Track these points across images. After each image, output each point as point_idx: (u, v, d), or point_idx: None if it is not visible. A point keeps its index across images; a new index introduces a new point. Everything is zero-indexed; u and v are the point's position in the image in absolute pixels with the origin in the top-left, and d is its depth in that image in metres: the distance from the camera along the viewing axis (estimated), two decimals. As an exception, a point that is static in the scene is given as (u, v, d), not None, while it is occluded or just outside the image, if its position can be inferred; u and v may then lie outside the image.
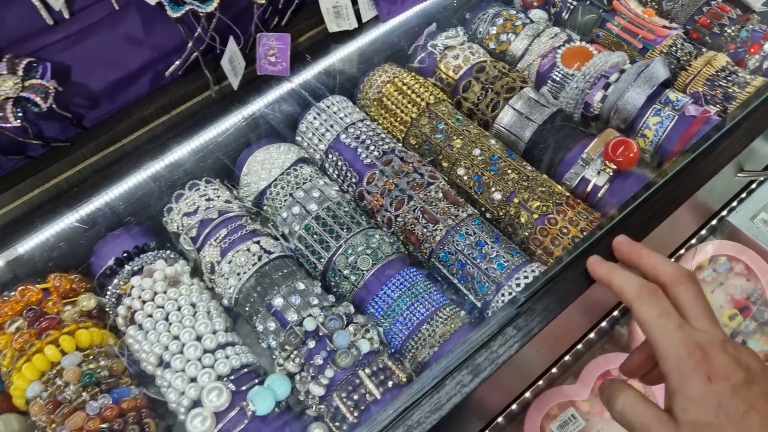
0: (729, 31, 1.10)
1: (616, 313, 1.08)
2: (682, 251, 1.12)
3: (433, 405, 0.68)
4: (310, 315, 0.85)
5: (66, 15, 0.79)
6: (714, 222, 1.15)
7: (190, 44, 0.86)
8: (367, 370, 0.81)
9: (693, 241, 1.15)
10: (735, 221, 1.14)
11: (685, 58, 1.08)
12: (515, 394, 0.96)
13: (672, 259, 1.06)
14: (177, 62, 0.89)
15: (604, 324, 1.07)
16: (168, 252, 0.94)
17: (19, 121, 0.74)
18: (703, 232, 1.15)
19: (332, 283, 0.93)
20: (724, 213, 1.15)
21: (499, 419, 0.96)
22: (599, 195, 0.97)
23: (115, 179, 0.88)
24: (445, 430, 0.74)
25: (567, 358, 1.04)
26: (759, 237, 1.12)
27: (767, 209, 1.21)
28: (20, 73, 0.75)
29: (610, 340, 1.13)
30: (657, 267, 0.62)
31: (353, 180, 1.01)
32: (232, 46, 0.86)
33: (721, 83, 1.05)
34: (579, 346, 1.05)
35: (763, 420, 0.50)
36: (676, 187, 0.85)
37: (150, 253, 0.92)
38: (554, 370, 1.02)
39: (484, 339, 0.72)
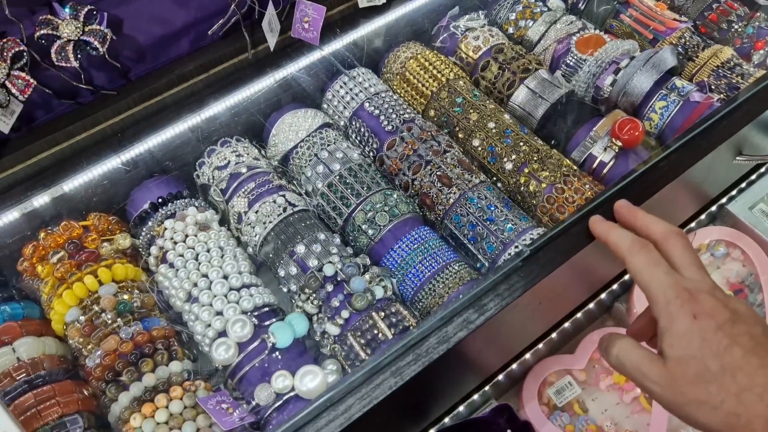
0: (736, 27, 1.17)
1: (615, 286, 1.14)
2: (682, 234, 1.18)
3: (441, 337, 0.74)
4: (329, 261, 0.91)
5: (122, -30, 0.87)
6: (714, 209, 1.21)
7: (233, 6, 0.93)
8: (381, 313, 0.87)
9: (692, 225, 1.21)
10: (734, 210, 1.20)
11: (692, 50, 1.14)
12: (516, 353, 1.02)
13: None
14: (220, 22, 0.96)
15: (603, 296, 1.13)
16: (199, 201, 1.01)
17: (78, 62, 0.82)
18: (703, 217, 1.21)
19: (350, 237, 1.00)
20: (724, 201, 1.21)
21: (500, 377, 1.02)
22: (605, 171, 1.04)
23: (155, 129, 0.95)
24: (451, 366, 0.80)
25: (566, 325, 1.10)
26: (757, 225, 1.18)
27: (766, 200, 1.27)
28: (81, 18, 0.82)
29: (609, 316, 1.19)
30: (649, 226, 0.66)
31: (374, 145, 1.07)
32: (271, 10, 0.93)
33: (725, 74, 1.11)
34: (578, 315, 1.11)
35: (746, 354, 0.52)
36: (673, 162, 0.91)
37: (183, 199, 0.99)
38: (554, 335, 1.08)
39: (491, 285, 0.79)
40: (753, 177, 1.25)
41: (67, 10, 0.82)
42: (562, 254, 0.81)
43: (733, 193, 1.22)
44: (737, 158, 1.05)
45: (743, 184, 1.25)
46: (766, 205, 1.25)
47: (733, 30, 1.17)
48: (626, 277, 1.15)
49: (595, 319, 1.16)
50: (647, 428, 1.07)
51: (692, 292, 0.56)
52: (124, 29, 0.93)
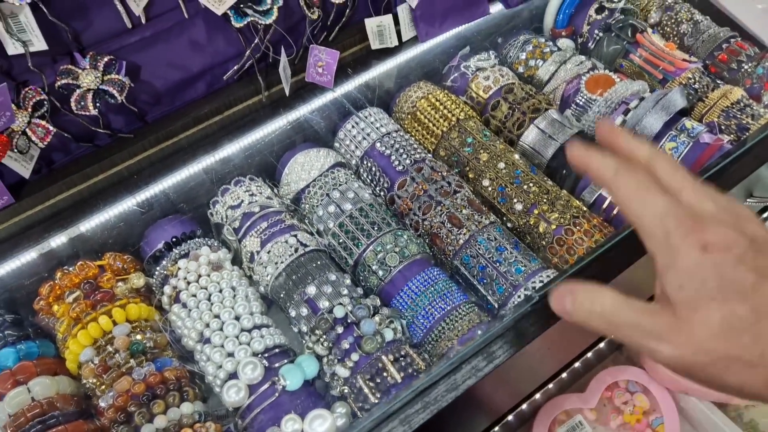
0: (746, 67, 1.17)
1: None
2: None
3: (450, 385, 0.75)
4: (340, 303, 0.92)
5: (143, 20, 0.89)
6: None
7: (248, 52, 0.96)
8: (390, 356, 0.88)
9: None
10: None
11: (702, 90, 1.15)
12: (526, 394, 1.02)
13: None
14: (235, 67, 0.99)
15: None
16: (212, 240, 1.02)
17: (96, 110, 0.84)
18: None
19: (361, 277, 1.00)
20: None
21: (510, 417, 1.02)
22: (615, 212, 1.04)
23: (170, 170, 0.97)
24: (460, 411, 0.80)
25: (577, 365, 1.09)
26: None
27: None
28: (101, 68, 0.85)
29: (620, 354, 1.19)
30: (634, 148, 0.50)
31: (385, 185, 1.09)
32: (284, 56, 0.95)
33: (735, 114, 1.11)
34: (589, 355, 1.11)
35: None
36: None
37: (196, 239, 1.01)
38: (564, 375, 1.08)
39: (500, 331, 0.79)
40: (765, 215, 1.24)
41: (87, 60, 0.85)
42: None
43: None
44: (748, 200, 1.05)
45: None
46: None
47: (743, 70, 1.18)
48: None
49: (606, 357, 1.16)
50: (659, 469, 1.06)
51: (697, 219, 0.42)
52: (142, 75, 0.95)
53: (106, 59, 0.86)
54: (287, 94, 1.00)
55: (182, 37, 0.95)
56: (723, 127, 1.12)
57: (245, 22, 0.89)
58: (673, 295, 0.42)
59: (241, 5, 0.87)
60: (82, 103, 0.83)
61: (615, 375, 1.14)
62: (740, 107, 1.12)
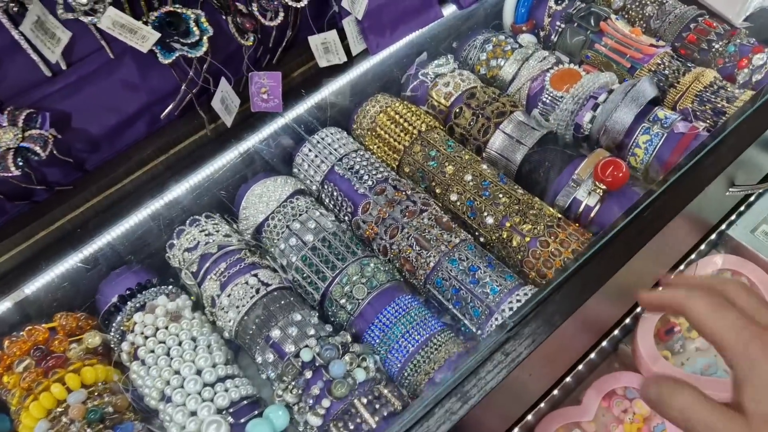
0: (717, 46, 1.11)
1: (616, 332, 1.08)
2: (681, 267, 1.12)
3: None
4: (306, 346, 0.87)
5: (63, 66, 0.83)
6: (713, 236, 1.15)
7: (183, 87, 0.90)
8: (363, 399, 0.82)
9: (693, 256, 1.15)
10: (735, 235, 1.14)
11: (673, 75, 1.09)
12: (515, 418, 0.96)
13: (671, 275, 1.06)
14: (171, 105, 0.92)
15: (605, 344, 1.07)
16: (170, 287, 0.97)
17: (19, 170, 0.78)
18: (703, 246, 1.15)
19: (329, 313, 0.95)
20: (724, 227, 1.15)
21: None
22: (591, 215, 0.98)
23: (116, 219, 0.92)
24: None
25: (568, 379, 1.04)
26: (761, 250, 1.12)
27: (768, 221, 1.21)
28: (20, 124, 0.79)
29: (615, 358, 1.13)
30: (705, 282, 0.54)
31: (349, 210, 1.03)
32: (224, 87, 0.89)
33: (710, 98, 1.06)
34: (580, 367, 1.05)
35: None
36: (664, 204, 0.86)
37: (152, 289, 0.95)
38: (555, 392, 1.03)
39: (473, 366, 0.74)
40: (752, 199, 1.19)
41: (4, 116, 0.79)
42: (548, 324, 0.76)
43: (733, 217, 1.16)
44: (730, 189, 0.99)
45: (742, 207, 1.19)
46: (768, 226, 1.19)
47: (714, 50, 1.12)
48: (627, 320, 1.09)
49: (598, 366, 1.10)
50: (666, 481, 1.01)
51: None
52: (74, 122, 0.89)
53: (25, 113, 0.80)
54: (228, 125, 0.93)
55: (111, 79, 0.89)
56: (698, 113, 1.06)
57: (174, 58, 0.83)
58: (749, 407, 0.45)
59: (168, 40, 0.81)
60: (2, 164, 0.77)
61: (611, 382, 1.09)
62: (714, 90, 1.06)
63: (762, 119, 0.90)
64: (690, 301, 0.50)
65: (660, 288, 0.56)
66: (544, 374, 0.89)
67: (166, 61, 0.82)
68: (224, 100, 0.90)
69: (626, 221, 0.84)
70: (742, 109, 0.93)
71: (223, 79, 0.90)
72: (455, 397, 0.71)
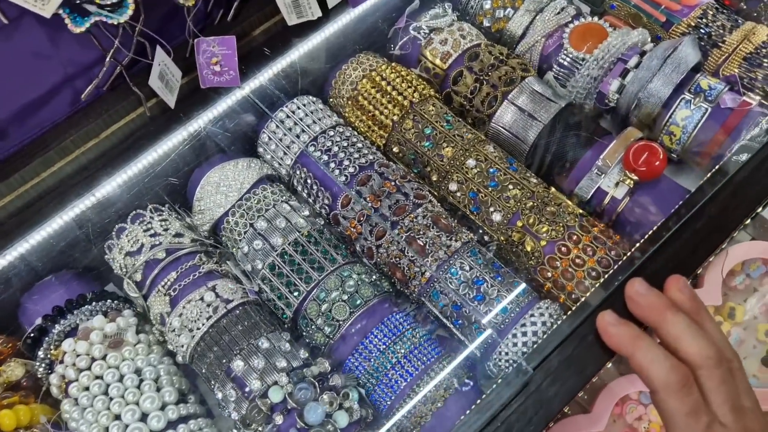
0: (770, -5, 0.92)
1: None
2: (711, 258, 0.97)
3: None
4: (275, 383, 0.71)
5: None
6: (747, 220, 0.99)
7: (108, 59, 0.69)
8: (346, 453, 0.67)
9: (723, 244, 1.00)
10: (771, 217, 0.99)
11: (717, 33, 0.90)
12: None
13: (700, 269, 0.91)
14: (93, 82, 0.72)
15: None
16: (109, 302, 0.79)
17: None
18: (735, 233, 1.00)
19: (304, 333, 0.79)
20: (759, 209, 1.00)
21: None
22: (618, 210, 0.82)
23: (33, 225, 0.73)
24: None
25: (580, 394, 0.91)
26: (798, 234, 0.98)
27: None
28: None
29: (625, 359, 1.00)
30: (681, 342, 0.56)
31: (326, 201, 0.85)
32: (161, 58, 0.69)
33: (761, 63, 0.87)
34: (595, 379, 0.92)
35: None
36: (723, 210, 0.70)
37: (86, 306, 0.77)
38: (566, 408, 0.90)
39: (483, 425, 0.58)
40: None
41: None
42: (578, 370, 0.61)
43: (770, 197, 1.00)
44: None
45: None
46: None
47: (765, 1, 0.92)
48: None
49: (608, 368, 0.97)
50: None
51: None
52: (-36, 105, 0.69)
53: None
54: (171, 106, 0.74)
55: (11, 49, 0.67)
56: (745, 81, 0.88)
57: (88, 25, 0.62)
58: None
59: (79, 2, 0.60)
60: None
61: (625, 387, 0.96)
62: (767, 52, 0.88)
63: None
64: (664, 395, 0.54)
65: (633, 334, 0.58)
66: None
67: (79, 29, 0.62)
68: (163, 75, 0.70)
69: (671, 233, 0.68)
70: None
71: (158, 49, 0.70)
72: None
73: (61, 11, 0.60)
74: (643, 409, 0.95)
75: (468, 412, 0.60)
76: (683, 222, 0.68)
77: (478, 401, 0.60)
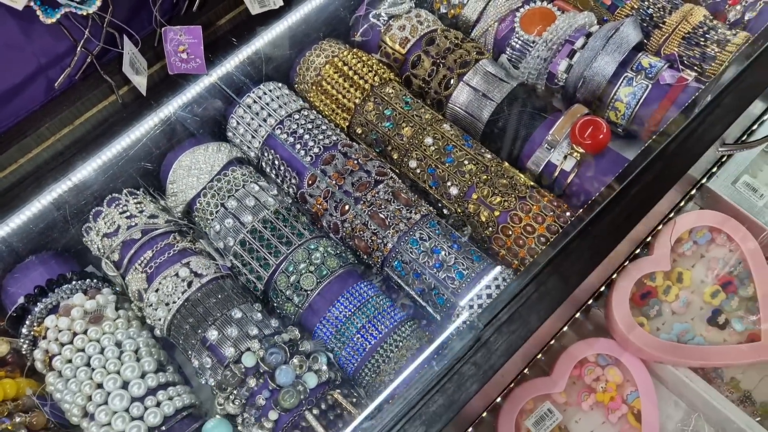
0: (707, -22, 0.98)
1: (590, 301, 1.00)
2: (660, 226, 1.04)
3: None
4: (248, 349, 0.76)
5: None
6: (693, 191, 1.06)
7: (79, 48, 0.73)
8: (315, 410, 0.73)
9: (671, 214, 1.06)
10: (715, 187, 1.05)
11: (658, 15, 0.96)
12: (484, 407, 0.89)
13: (649, 237, 0.97)
14: (66, 71, 0.76)
15: (578, 315, 1.00)
16: (88, 281, 0.83)
17: None
18: (682, 202, 1.06)
19: (275, 304, 0.84)
20: (704, 180, 1.06)
21: (469, 430, 0.90)
22: (567, 181, 0.88)
23: (11, 210, 0.76)
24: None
25: (539, 356, 0.96)
26: (741, 203, 1.04)
27: (749, 171, 1.12)
28: None
29: (587, 320, 1.06)
30: None
31: (293, 181, 0.90)
32: (129, 48, 0.73)
33: (698, 41, 0.93)
34: (552, 342, 0.98)
35: None
36: (657, 174, 0.76)
37: (66, 285, 0.81)
38: (526, 371, 0.95)
39: (438, 377, 0.64)
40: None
41: None
42: (524, 324, 0.67)
43: (714, 169, 1.07)
44: (720, 149, 0.89)
45: (724, 157, 1.09)
46: (750, 177, 1.10)
47: (703, -17, 0.98)
48: (601, 288, 1.01)
49: (567, 333, 1.03)
50: (638, 448, 0.96)
51: None
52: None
53: None
54: (144, 92, 0.78)
55: (-15, 40, 0.71)
56: (684, 59, 0.94)
57: (58, 16, 0.66)
58: None
59: (50, -7, 0.64)
60: None
61: (583, 350, 1.02)
62: (703, 31, 0.94)
63: (763, 70, 0.79)
64: None
65: None
66: (517, 362, 0.80)
67: (50, 20, 0.66)
68: (133, 63, 0.74)
69: (609, 199, 0.74)
70: (742, 57, 0.81)
71: (126, 39, 0.74)
72: (419, 420, 0.61)
73: (32, 3, 0.64)
74: (601, 371, 1.01)
75: (426, 366, 0.65)
76: (620, 189, 0.74)
77: (435, 356, 0.65)
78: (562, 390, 1.00)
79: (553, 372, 1.00)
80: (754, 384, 1.01)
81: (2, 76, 0.75)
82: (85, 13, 0.68)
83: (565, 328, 0.98)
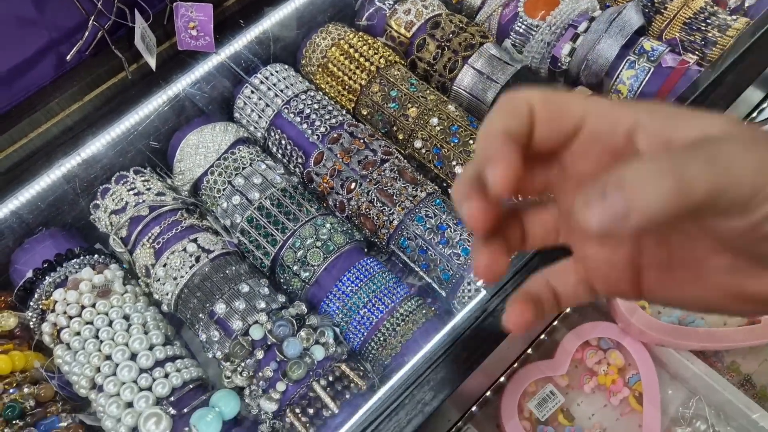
0: (707, -35, 1.00)
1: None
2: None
3: (395, 427, 0.61)
4: (256, 322, 0.76)
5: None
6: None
7: (91, 21, 0.74)
8: (323, 381, 0.73)
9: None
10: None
11: (660, 0, 0.98)
12: (489, 384, 0.90)
13: None
14: (78, 44, 0.77)
15: (580, 296, 1.00)
16: (96, 257, 0.84)
17: None
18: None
19: (282, 280, 0.84)
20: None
21: (473, 408, 0.90)
22: (571, 162, 0.89)
23: (22, 183, 0.77)
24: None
25: (542, 336, 0.97)
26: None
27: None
28: None
29: (590, 306, 1.07)
30: None
31: (299, 160, 0.90)
32: (140, 22, 0.74)
33: (699, 27, 0.95)
34: (555, 323, 0.99)
35: None
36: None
37: (74, 260, 0.82)
38: (530, 351, 0.96)
39: (446, 343, 0.65)
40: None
41: None
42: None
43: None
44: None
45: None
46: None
47: (704, -30, 1.00)
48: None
49: (570, 315, 1.04)
50: (639, 430, 0.97)
51: None
52: (-43, 66, 0.73)
53: None
54: (153, 67, 0.79)
55: (-3, 12, 0.72)
56: (686, 44, 0.95)
57: (73, -14, 0.67)
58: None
59: (63, -37, 0.65)
60: None
61: (585, 333, 1.03)
62: (704, 17, 0.95)
63: (762, 54, 0.81)
64: None
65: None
66: (520, 340, 0.81)
67: (63, -10, 0.67)
68: (144, 37, 0.75)
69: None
70: (740, 43, 0.83)
71: (137, 14, 0.75)
72: (427, 385, 0.62)
73: (47, -27, 0.65)
74: (603, 354, 1.02)
75: (437, 335, 0.66)
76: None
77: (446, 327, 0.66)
78: (564, 373, 1.01)
79: (556, 355, 1.01)
80: (753, 368, 1.02)
81: (14, 51, 0.76)
82: (99, -16, 0.69)
83: (568, 310, 0.99)
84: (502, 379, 0.95)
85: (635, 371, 1.02)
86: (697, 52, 0.94)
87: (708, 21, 0.94)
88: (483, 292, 0.68)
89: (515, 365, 0.96)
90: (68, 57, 0.76)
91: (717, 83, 0.77)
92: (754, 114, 1.02)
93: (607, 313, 1.01)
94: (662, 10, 0.97)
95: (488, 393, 0.93)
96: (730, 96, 0.76)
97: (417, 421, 0.60)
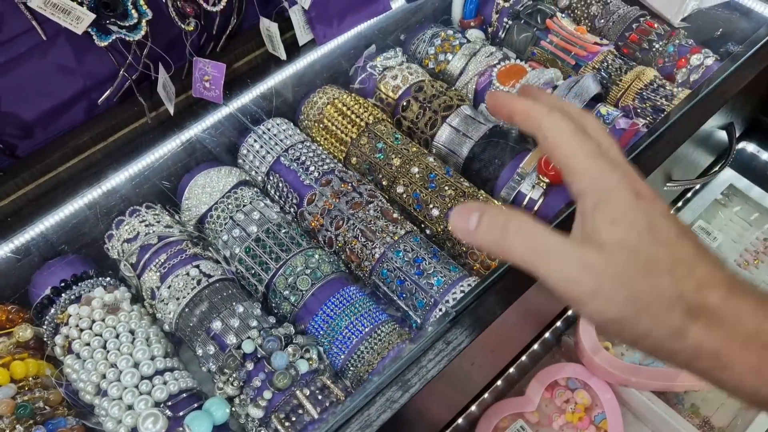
0: (657, 46, 1.14)
1: (559, 323, 1.10)
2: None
3: (363, 422, 0.69)
4: (248, 337, 0.85)
5: (-10, 47, 0.80)
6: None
7: (121, 72, 0.87)
8: (306, 390, 0.81)
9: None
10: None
11: (615, 73, 1.12)
12: (459, 408, 0.97)
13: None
14: (109, 90, 0.89)
15: (548, 335, 1.09)
16: (108, 279, 0.94)
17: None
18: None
19: (273, 305, 0.94)
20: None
21: (446, 432, 0.97)
22: (535, 208, 1.00)
23: (50, 208, 0.88)
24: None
25: (512, 370, 1.05)
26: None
27: (704, 217, 1.24)
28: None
29: (558, 350, 1.15)
30: (563, 105, 0.50)
31: (294, 201, 1.02)
32: (162, 73, 0.87)
33: (650, 96, 1.08)
34: (523, 359, 1.07)
35: (697, 249, 0.42)
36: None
37: (88, 280, 0.92)
38: (499, 383, 1.04)
39: (415, 355, 0.74)
40: (689, 195, 1.23)
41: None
42: (489, 313, 0.77)
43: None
44: (668, 184, 1.02)
45: (680, 203, 1.22)
46: (705, 222, 1.23)
47: (654, 50, 1.15)
48: (569, 312, 1.11)
49: (541, 358, 1.12)
50: (605, 467, 1.04)
51: (626, 170, 0.45)
52: (4, 106, 0.85)
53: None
54: (171, 113, 0.91)
55: (45, 61, 0.85)
56: (638, 111, 1.09)
57: (110, 40, 0.80)
58: (603, 230, 0.42)
59: (104, 22, 0.79)
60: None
61: (554, 373, 1.11)
62: (654, 88, 1.09)
63: (698, 116, 0.93)
64: (549, 119, 0.46)
65: (512, 95, 0.51)
66: (487, 364, 0.89)
67: (103, 44, 0.80)
68: (165, 87, 0.88)
69: (564, 215, 0.85)
70: (679, 106, 0.96)
71: (161, 66, 0.88)
72: (396, 386, 0.71)
73: (89, 29, 0.78)
74: (571, 394, 1.10)
75: (405, 345, 0.75)
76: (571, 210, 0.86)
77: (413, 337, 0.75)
78: (534, 409, 1.08)
79: (527, 393, 1.09)
80: (712, 411, 1.10)
81: (53, 95, 0.89)
82: (132, 40, 0.82)
83: (536, 346, 1.07)
84: (473, 408, 1.03)
85: (601, 410, 1.09)
86: (648, 118, 1.07)
87: (657, 91, 1.08)
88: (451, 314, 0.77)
89: (485, 396, 1.03)
90: (99, 101, 0.89)
91: (656, 140, 0.90)
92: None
93: (575, 355, 1.09)
94: (618, 82, 1.11)
95: (460, 420, 1.01)
96: (667, 150, 0.88)
97: (385, 416, 0.68)
